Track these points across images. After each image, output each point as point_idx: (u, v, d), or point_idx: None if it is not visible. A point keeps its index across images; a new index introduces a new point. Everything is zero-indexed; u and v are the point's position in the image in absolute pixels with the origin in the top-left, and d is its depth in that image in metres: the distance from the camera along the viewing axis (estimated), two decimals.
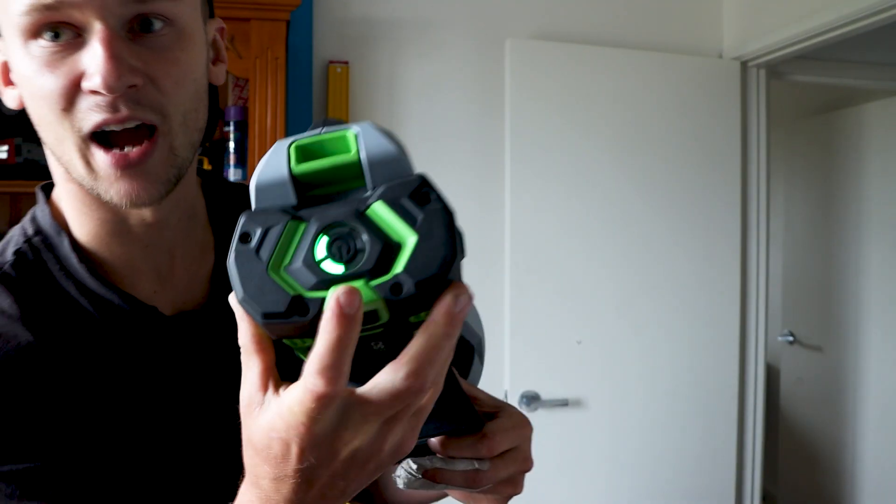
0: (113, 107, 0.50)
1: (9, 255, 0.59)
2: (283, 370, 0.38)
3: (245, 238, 0.36)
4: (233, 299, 0.37)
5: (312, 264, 0.35)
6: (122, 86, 0.49)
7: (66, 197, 0.60)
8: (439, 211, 0.35)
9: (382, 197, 0.36)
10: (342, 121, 0.40)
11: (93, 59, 0.49)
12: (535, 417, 2.18)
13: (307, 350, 0.36)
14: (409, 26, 2.24)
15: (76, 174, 0.54)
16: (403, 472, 0.51)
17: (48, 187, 0.63)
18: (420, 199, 0.35)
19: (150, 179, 0.53)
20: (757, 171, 2.49)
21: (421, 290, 0.34)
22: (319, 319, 0.34)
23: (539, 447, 2.38)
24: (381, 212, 0.35)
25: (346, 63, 2.14)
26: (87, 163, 0.52)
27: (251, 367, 0.38)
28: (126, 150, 0.52)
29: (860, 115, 3.20)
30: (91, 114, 0.50)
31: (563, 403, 2.20)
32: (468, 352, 0.54)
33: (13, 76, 0.56)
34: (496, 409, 0.55)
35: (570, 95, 2.23)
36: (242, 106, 2.02)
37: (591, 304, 2.25)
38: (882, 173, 3.08)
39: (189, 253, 0.63)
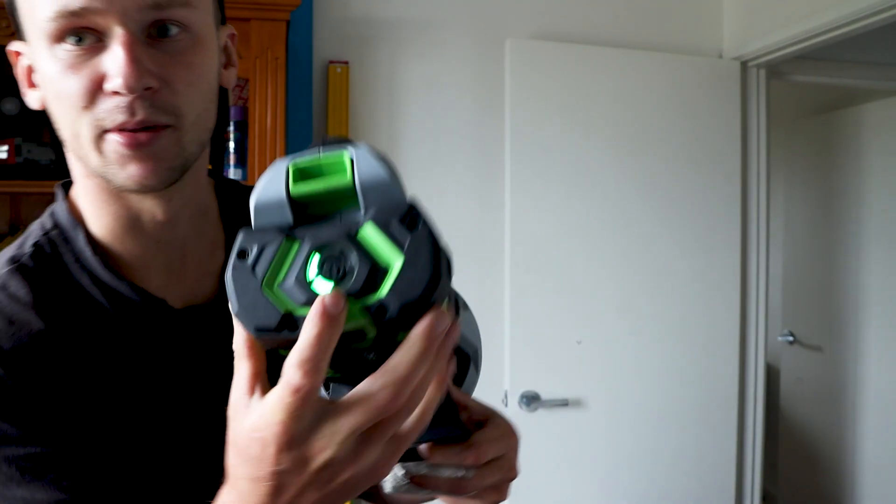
0: (131, 110, 0.53)
1: (27, 247, 0.62)
2: (274, 378, 0.39)
3: (242, 255, 0.38)
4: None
5: (304, 283, 0.37)
6: (140, 87, 0.53)
7: (84, 193, 0.63)
8: (426, 236, 0.37)
9: (373, 220, 0.38)
10: (344, 138, 0.42)
11: (114, 61, 0.52)
12: (535, 417, 2.18)
13: None
14: (409, 26, 2.24)
15: (91, 164, 0.57)
16: (391, 477, 0.53)
17: (67, 185, 0.67)
18: (409, 223, 0.37)
19: (158, 163, 0.56)
20: (757, 171, 2.49)
21: (404, 313, 0.36)
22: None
23: (539, 447, 2.38)
24: (370, 234, 0.37)
25: (346, 63, 2.14)
26: (100, 150, 0.55)
27: (241, 370, 0.40)
28: (136, 136, 0.55)
29: (860, 116, 3.20)
30: (111, 114, 0.54)
31: (563, 403, 2.20)
32: (464, 361, 0.55)
33: (36, 78, 0.59)
34: (485, 418, 0.57)
35: (570, 95, 2.23)
36: (242, 106, 2.02)
37: (591, 304, 2.25)
38: (882, 173, 3.08)
39: (200, 250, 0.66)
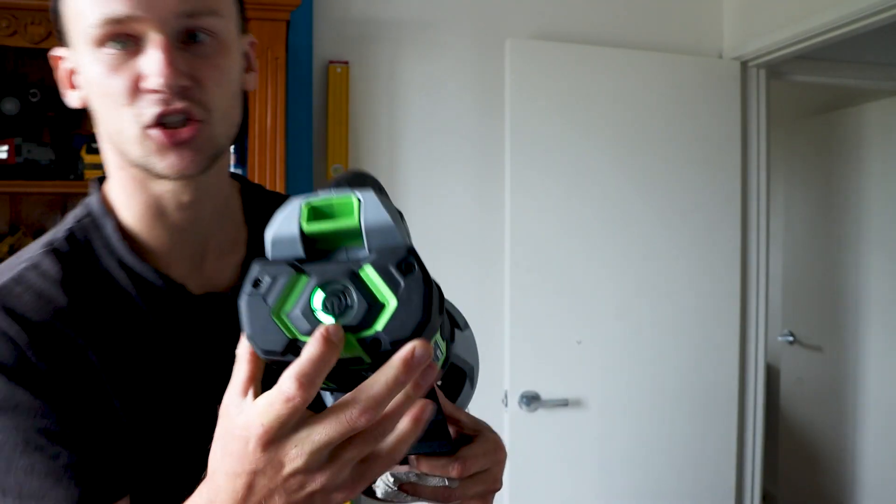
0: (168, 101, 0.60)
1: (61, 232, 0.69)
2: (267, 388, 0.43)
3: (256, 283, 0.43)
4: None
5: (308, 313, 0.42)
6: (176, 85, 0.60)
7: (116, 184, 0.70)
8: (419, 281, 0.42)
9: (373, 262, 0.42)
10: (356, 177, 0.50)
11: (153, 64, 0.60)
12: (535, 417, 2.18)
13: None
14: (409, 26, 2.24)
15: (132, 155, 0.63)
16: (382, 483, 0.57)
17: (100, 180, 0.74)
18: (405, 269, 0.42)
19: (194, 154, 0.63)
20: (757, 170, 2.49)
21: (395, 348, 0.41)
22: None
23: (539, 447, 2.38)
24: (370, 275, 0.42)
25: (346, 63, 2.15)
26: (143, 143, 0.62)
27: (239, 373, 0.44)
28: (177, 131, 0.62)
29: (860, 116, 3.20)
30: (151, 106, 0.61)
31: (563, 403, 2.20)
32: (460, 377, 0.60)
33: (77, 80, 0.67)
34: (475, 433, 0.61)
35: (571, 95, 2.23)
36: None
37: (591, 304, 2.25)
38: (882, 173, 3.08)
39: (220, 243, 0.73)
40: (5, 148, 1.85)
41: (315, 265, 0.43)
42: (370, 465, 0.44)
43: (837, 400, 3.30)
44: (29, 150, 1.87)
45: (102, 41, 0.61)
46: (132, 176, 0.67)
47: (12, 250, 1.98)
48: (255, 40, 0.74)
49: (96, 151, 1.90)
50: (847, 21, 2.02)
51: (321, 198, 0.45)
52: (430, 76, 2.25)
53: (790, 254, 3.68)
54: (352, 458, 0.43)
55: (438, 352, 0.51)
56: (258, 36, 1.86)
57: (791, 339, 3.56)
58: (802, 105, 3.76)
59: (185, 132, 0.62)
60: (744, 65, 2.44)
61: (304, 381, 0.40)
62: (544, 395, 2.18)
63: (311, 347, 0.40)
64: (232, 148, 2.06)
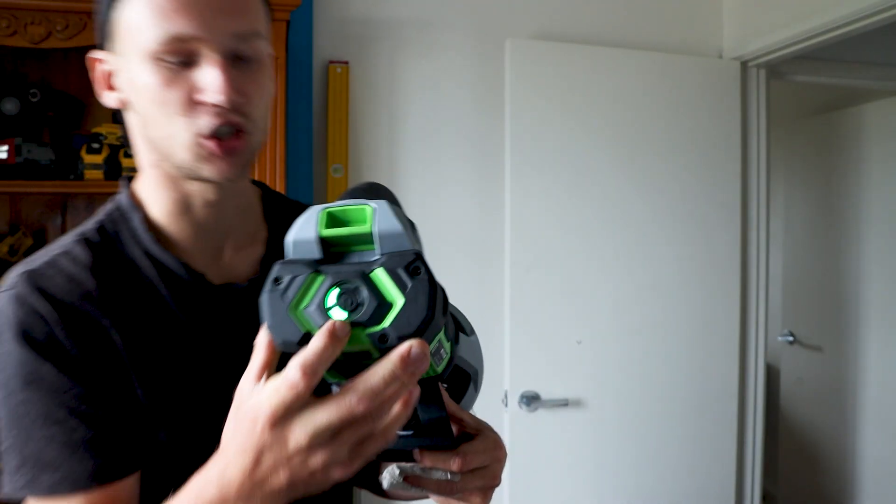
0: (226, 117, 0.67)
1: (92, 224, 0.76)
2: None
3: (277, 281, 0.48)
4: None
5: (322, 310, 0.46)
6: (233, 101, 0.67)
7: (148, 182, 0.76)
8: (425, 282, 0.46)
9: (383, 265, 0.47)
10: (370, 188, 0.54)
11: (213, 80, 0.66)
12: (535, 417, 2.18)
13: None
14: (409, 26, 2.24)
15: (179, 159, 0.69)
16: (388, 475, 0.60)
17: (129, 179, 0.80)
18: (412, 271, 0.46)
19: (240, 162, 0.70)
20: (757, 171, 2.49)
21: (401, 342, 0.45)
22: None
23: (539, 447, 2.37)
24: (380, 276, 0.46)
25: (346, 63, 2.15)
26: (194, 150, 0.68)
27: (256, 359, 0.49)
28: (229, 142, 0.69)
29: (860, 116, 3.20)
30: (207, 118, 0.67)
31: (564, 403, 2.20)
32: (465, 380, 0.64)
33: (116, 82, 0.72)
34: (477, 432, 0.65)
35: (571, 95, 2.23)
36: None
37: (591, 304, 2.25)
38: (882, 173, 3.08)
39: (239, 239, 0.79)
40: (5, 148, 1.85)
41: (330, 266, 0.48)
42: (366, 445, 0.48)
43: (837, 400, 3.30)
44: (29, 150, 1.87)
45: (161, 55, 0.66)
46: (165, 174, 0.73)
47: (12, 250, 1.98)
48: (274, 53, 0.78)
49: (96, 151, 1.90)
50: (847, 21, 2.02)
51: (338, 206, 0.49)
52: (430, 76, 2.25)
53: (790, 254, 3.68)
54: (350, 439, 0.47)
55: (443, 351, 0.54)
56: None
57: (791, 339, 3.56)
58: (802, 105, 3.76)
59: (234, 143, 0.69)
60: (744, 65, 2.44)
61: (308, 370, 0.44)
62: (544, 395, 2.18)
63: (317, 340, 0.44)
64: None
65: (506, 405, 2.16)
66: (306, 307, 0.47)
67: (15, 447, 0.65)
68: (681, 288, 2.34)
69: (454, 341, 0.58)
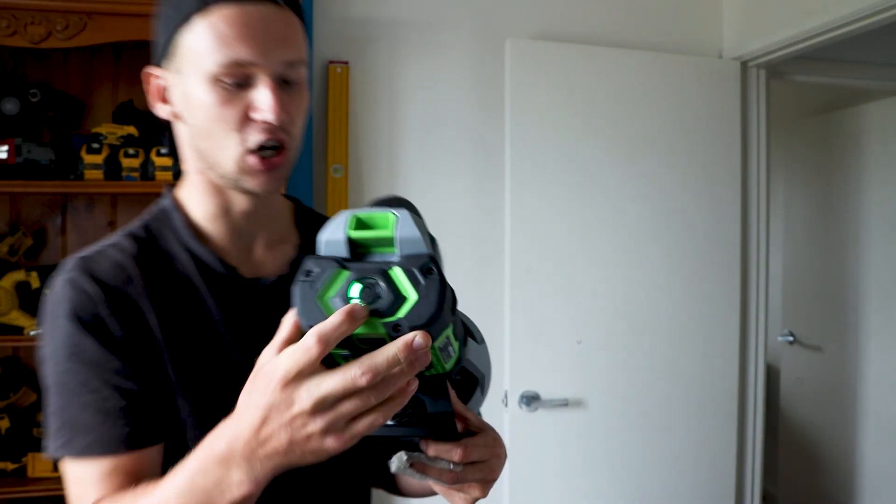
0: (274, 134, 0.76)
1: (138, 223, 0.85)
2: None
3: (308, 273, 0.54)
4: None
5: (346, 300, 0.53)
6: (283, 120, 0.75)
7: (192, 187, 0.85)
8: (437, 281, 0.52)
9: (401, 265, 0.53)
10: (394, 200, 0.62)
11: (266, 101, 0.74)
12: (535, 417, 2.18)
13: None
14: (409, 26, 2.24)
15: (223, 171, 0.78)
16: (396, 460, 0.65)
17: (171, 186, 0.90)
18: (426, 271, 0.53)
19: (279, 176, 0.79)
20: (757, 171, 2.49)
21: (413, 332, 0.51)
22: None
23: (539, 447, 2.37)
24: (398, 274, 0.53)
25: (346, 63, 2.15)
26: (241, 164, 0.77)
27: (280, 334, 0.55)
28: (273, 158, 0.78)
29: (860, 116, 3.20)
30: (257, 134, 0.76)
31: (564, 403, 2.20)
32: (472, 384, 0.70)
33: (170, 96, 0.81)
34: (479, 430, 0.70)
35: (571, 95, 2.23)
36: None
37: (592, 304, 2.25)
38: (882, 173, 3.08)
39: (269, 240, 0.88)
40: (5, 148, 1.85)
41: (355, 263, 0.55)
42: (361, 421, 0.53)
43: (837, 400, 3.30)
44: (29, 150, 1.87)
45: (220, 76, 0.74)
46: (209, 181, 0.82)
47: (12, 250, 1.98)
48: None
49: (96, 151, 1.90)
50: (847, 21, 2.02)
51: (365, 212, 0.56)
52: (430, 76, 2.25)
53: (790, 254, 3.68)
54: (348, 411, 0.52)
55: (451, 349, 0.58)
56: None
57: (791, 339, 3.56)
58: (802, 105, 3.76)
59: (276, 160, 0.78)
60: (744, 65, 2.44)
61: (322, 339, 0.51)
62: (544, 395, 2.18)
63: (336, 316, 0.51)
64: None
65: (506, 405, 2.16)
66: (332, 297, 0.53)
67: (56, 412, 0.74)
68: (681, 288, 2.34)
69: (462, 342, 0.63)
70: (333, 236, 0.56)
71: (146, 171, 1.94)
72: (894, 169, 3.02)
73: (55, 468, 1.90)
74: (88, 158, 1.90)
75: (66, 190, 1.99)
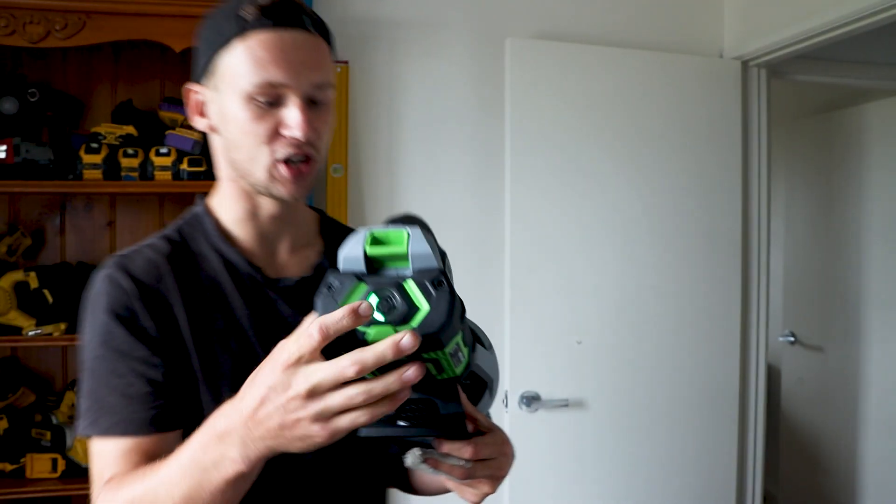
0: (301, 148, 0.83)
1: (172, 226, 0.93)
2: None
3: (329, 287, 0.60)
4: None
5: None
6: (309, 136, 0.83)
7: (223, 193, 0.92)
8: (446, 293, 0.57)
9: (414, 278, 0.58)
10: (407, 218, 0.65)
11: (295, 119, 0.82)
12: (536, 418, 2.18)
13: None
14: (409, 26, 2.23)
15: (253, 180, 0.86)
16: (411, 455, 0.70)
17: (204, 195, 0.98)
18: (436, 284, 0.57)
19: (306, 185, 0.87)
20: (758, 170, 2.48)
21: (424, 341, 0.56)
22: (364, 344, 0.57)
23: (539, 447, 2.36)
24: (411, 287, 0.58)
25: (346, 63, 2.14)
26: (270, 173, 0.84)
27: (298, 331, 0.59)
28: (298, 167, 0.85)
29: (861, 115, 3.20)
30: (285, 148, 0.83)
31: (564, 404, 2.19)
32: (481, 387, 0.74)
33: (207, 111, 0.88)
34: (489, 430, 0.75)
35: (571, 95, 2.23)
36: None
37: (592, 304, 2.24)
38: (883, 173, 3.08)
39: (293, 245, 0.94)
40: (4, 147, 1.84)
41: (372, 277, 0.60)
42: (344, 417, 0.58)
43: (838, 400, 3.29)
44: (27, 150, 1.86)
45: (255, 95, 0.81)
46: (240, 188, 0.90)
47: (10, 250, 1.98)
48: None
49: (95, 151, 1.89)
50: (848, 21, 2.01)
51: (381, 230, 0.61)
52: (429, 76, 2.24)
53: (791, 254, 3.67)
54: (336, 403, 0.57)
55: (461, 354, 0.63)
56: None
57: (792, 339, 3.56)
58: (803, 105, 3.76)
59: (302, 169, 0.85)
60: (744, 64, 2.43)
61: (324, 327, 0.56)
62: (544, 396, 2.17)
63: (341, 311, 0.56)
64: None
65: (506, 405, 2.15)
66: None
67: (87, 394, 0.82)
68: (681, 288, 2.33)
69: (471, 348, 0.67)
70: (352, 253, 0.61)
71: (145, 171, 1.93)
72: (895, 168, 3.02)
73: (53, 469, 1.89)
74: (87, 158, 1.89)
75: (64, 190, 1.99)
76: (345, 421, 0.58)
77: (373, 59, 2.20)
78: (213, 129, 0.89)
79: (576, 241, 2.23)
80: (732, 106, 2.39)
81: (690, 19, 2.47)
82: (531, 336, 2.19)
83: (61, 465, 1.89)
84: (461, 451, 0.71)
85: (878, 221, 3.10)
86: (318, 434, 0.58)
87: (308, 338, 0.57)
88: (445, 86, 2.26)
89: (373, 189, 2.21)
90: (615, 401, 2.26)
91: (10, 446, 1.90)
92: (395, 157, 2.23)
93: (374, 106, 2.21)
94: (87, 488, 2.02)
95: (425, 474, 0.75)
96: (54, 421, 1.94)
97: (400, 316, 0.57)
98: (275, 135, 0.83)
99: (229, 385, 0.81)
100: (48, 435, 1.91)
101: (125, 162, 1.92)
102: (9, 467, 1.89)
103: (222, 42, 0.83)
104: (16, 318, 1.90)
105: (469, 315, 0.73)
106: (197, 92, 0.89)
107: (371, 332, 0.57)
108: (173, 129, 1.99)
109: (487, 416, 0.81)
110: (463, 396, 0.69)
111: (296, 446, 0.60)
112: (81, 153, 1.89)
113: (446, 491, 0.82)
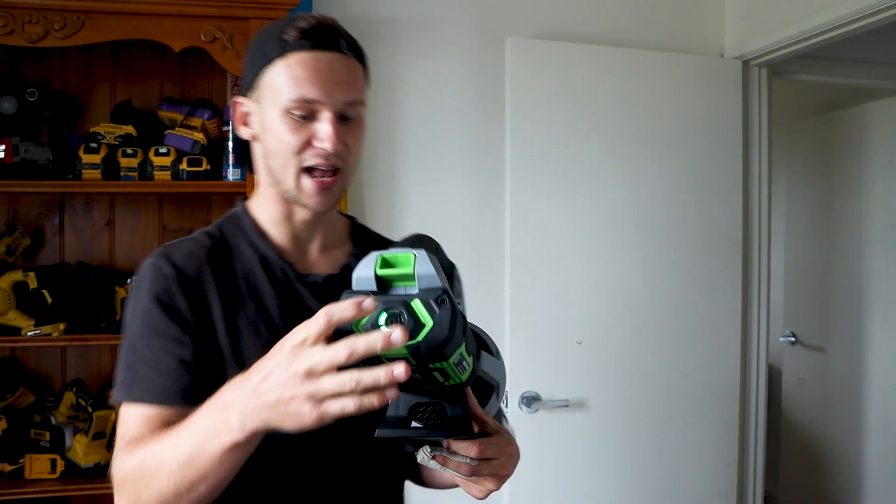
0: (329, 160, 0.91)
1: (214, 224, 1.03)
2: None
3: None
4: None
5: (375, 326, 0.64)
6: (337, 148, 0.91)
7: (261, 197, 1.01)
8: (449, 310, 0.64)
9: (419, 297, 0.65)
10: (422, 237, 0.77)
11: (325, 132, 0.90)
12: (536, 418, 2.17)
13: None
14: (408, 25, 2.23)
15: (286, 187, 0.94)
16: (422, 452, 0.77)
17: (245, 197, 1.07)
18: (440, 302, 0.64)
19: (332, 196, 0.95)
20: (759, 170, 2.48)
21: (429, 353, 0.63)
22: (376, 356, 0.63)
23: (539, 448, 2.36)
24: (417, 305, 0.64)
25: None
26: (298, 184, 0.93)
27: (314, 318, 0.66)
28: (324, 179, 0.93)
29: (862, 115, 3.19)
30: (315, 158, 0.91)
31: (564, 404, 2.19)
32: (488, 391, 0.82)
33: (250, 121, 0.97)
34: (495, 432, 0.81)
35: (571, 95, 2.22)
36: None
37: (592, 304, 2.24)
38: (884, 173, 3.08)
39: (322, 243, 1.03)
40: (2, 147, 1.84)
41: (381, 296, 0.66)
42: (334, 402, 0.63)
43: (839, 400, 3.29)
44: (26, 150, 1.86)
45: (291, 109, 0.90)
46: (277, 192, 0.97)
47: (9, 251, 1.97)
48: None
49: (94, 151, 1.89)
50: (848, 20, 2.01)
51: (390, 253, 0.68)
52: (430, 75, 2.24)
53: (792, 253, 3.67)
54: (328, 387, 0.63)
55: (465, 363, 0.68)
56: None
57: (793, 339, 3.55)
58: (804, 104, 3.75)
59: (329, 181, 0.92)
60: (745, 64, 2.43)
61: (328, 315, 0.64)
62: (545, 396, 2.17)
63: (347, 302, 0.64)
64: (231, 148, 2.06)
65: (506, 406, 2.15)
66: (364, 324, 0.65)
67: (124, 366, 0.90)
68: (682, 288, 2.33)
69: (476, 356, 0.73)
70: (364, 273, 0.68)
71: (144, 171, 1.93)
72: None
73: (52, 469, 1.89)
74: (86, 158, 1.89)
75: (63, 190, 1.99)
76: (335, 406, 0.63)
77: (373, 58, 2.16)
78: (254, 138, 0.98)
79: (576, 241, 2.23)
80: (733, 106, 2.39)
81: (691, 19, 2.46)
82: (531, 336, 2.18)
83: (60, 465, 1.89)
84: (467, 449, 0.77)
85: (879, 221, 3.09)
86: (308, 414, 0.64)
87: (314, 322, 0.64)
88: (446, 85, 2.25)
89: (373, 188, 2.21)
90: (616, 401, 2.26)
91: (8, 447, 1.89)
92: (394, 156, 2.23)
93: (375, 105, 2.20)
94: (87, 489, 2.01)
95: (435, 470, 0.80)
96: (53, 421, 1.93)
97: (407, 331, 0.62)
98: (307, 146, 0.91)
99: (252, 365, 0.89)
100: (47, 435, 1.91)
101: (124, 162, 1.91)
102: (7, 468, 1.89)
103: (266, 61, 0.92)
104: (14, 318, 1.90)
105: (469, 315, 0.77)
106: (242, 104, 0.98)
107: None
108: (172, 128, 1.99)
109: (503, 417, 0.92)
110: (472, 399, 0.76)
111: (288, 423, 0.66)
112: (80, 153, 1.89)
113: (455, 486, 0.89)
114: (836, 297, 3.31)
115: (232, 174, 1.97)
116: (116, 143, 1.94)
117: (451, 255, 0.80)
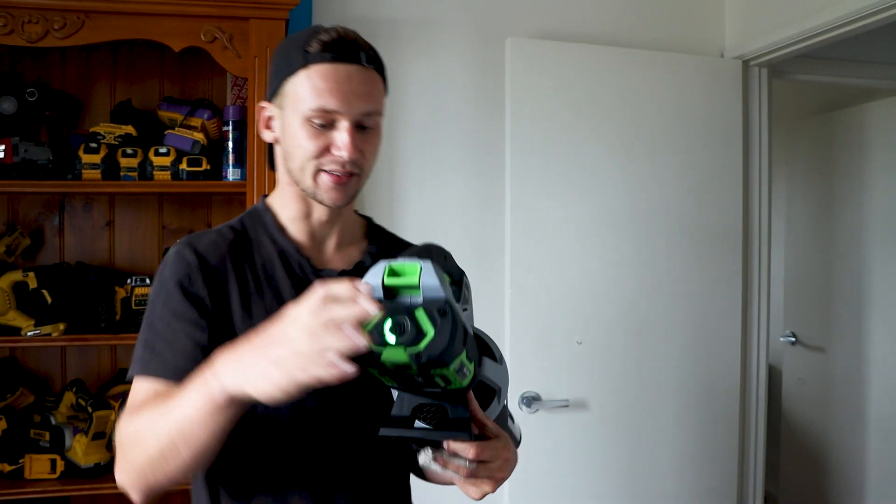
0: (344, 166, 0.98)
1: (237, 218, 1.09)
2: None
3: None
4: None
5: (380, 332, 0.68)
6: (353, 156, 0.97)
7: (283, 195, 1.07)
8: (450, 320, 0.67)
9: (423, 306, 0.68)
10: (430, 247, 0.79)
11: (342, 140, 0.96)
12: (536, 418, 2.17)
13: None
14: (408, 25, 2.23)
15: (304, 185, 1.00)
16: (423, 453, 0.81)
17: (265, 196, 1.13)
18: (442, 312, 0.67)
19: (347, 193, 1.01)
20: (759, 170, 2.48)
21: (430, 360, 0.66)
22: (378, 362, 0.68)
23: (539, 448, 2.36)
24: (420, 315, 0.68)
25: None
26: (315, 181, 0.99)
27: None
28: (339, 176, 0.99)
29: (862, 115, 3.19)
30: (332, 165, 0.98)
31: (564, 404, 2.18)
32: (490, 395, 0.85)
33: (273, 125, 1.03)
34: (494, 436, 0.85)
35: (571, 95, 2.22)
36: (241, 105, 2.01)
37: (592, 304, 2.24)
38: (884, 173, 3.07)
39: (338, 244, 1.09)
40: (2, 147, 1.84)
41: (388, 303, 0.70)
42: (298, 371, 0.69)
43: (839, 401, 3.29)
44: (26, 150, 1.85)
45: (311, 117, 0.95)
46: (297, 192, 1.03)
47: (9, 251, 1.97)
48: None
49: (94, 151, 1.89)
50: (849, 20, 2.01)
51: (398, 263, 0.72)
52: (430, 75, 2.24)
53: (792, 254, 3.67)
54: (302, 347, 0.68)
55: (466, 370, 0.71)
56: (258, 35, 1.85)
57: (793, 339, 3.55)
58: (804, 104, 3.75)
59: (345, 179, 0.99)
60: (745, 64, 2.43)
61: (332, 293, 0.69)
62: (545, 396, 2.17)
63: (347, 283, 0.69)
64: (231, 148, 2.06)
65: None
66: (370, 330, 0.68)
67: (143, 343, 0.96)
68: (682, 288, 2.33)
69: (477, 363, 0.76)
70: (372, 282, 0.71)
71: (144, 171, 1.93)
72: None
73: (52, 470, 1.89)
74: (86, 158, 1.89)
75: (63, 190, 1.98)
76: (298, 374, 0.69)
77: None
78: (276, 141, 1.04)
79: (576, 241, 2.23)
80: (733, 106, 2.38)
81: (691, 19, 2.46)
82: (531, 336, 2.18)
83: (60, 465, 1.89)
84: (466, 451, 0.80)
85: (880, 221, 3.09)
86: (273, 376, 0.70)
87: (312, 297, 0.69)
88: (446, 85, 2.25)
89: (373, 188, 2.21)
90: (616, 401, 2.26)
91: (8, 447, 1.89)
92: (395, 156, 2.22)
93: None
94: (86, 489, 2.01)
95: (436, 471, 0.85)
96: (53, 421, 1.93)
97: (409, 339, 0.66)
98: (325, 152, 0.97)
99: None
100: (47, 435, 1.91)
101: (124, 162, 1.91)
102: (7, 468, 1.89)
103: (290, 70, 0.98)
104: (14, 318, 1.90)
105: (474, 317, 0.84)
106: (266, 109, 1.04)
107: (384, 352, 0.67)
108: (172, 128, 1.99)
109: (510, 416, 0.97)
110: (473, 402, 0.80)
111: (260, 386, 0.71)
112: (80, 153, 1.89)
113: (453, 483, 0.93)
114: (836, 296, 3.31)
115: (232, 174, 1.97)
116: (116, 143, 1.94)
117: (452, 255, 0.82)
